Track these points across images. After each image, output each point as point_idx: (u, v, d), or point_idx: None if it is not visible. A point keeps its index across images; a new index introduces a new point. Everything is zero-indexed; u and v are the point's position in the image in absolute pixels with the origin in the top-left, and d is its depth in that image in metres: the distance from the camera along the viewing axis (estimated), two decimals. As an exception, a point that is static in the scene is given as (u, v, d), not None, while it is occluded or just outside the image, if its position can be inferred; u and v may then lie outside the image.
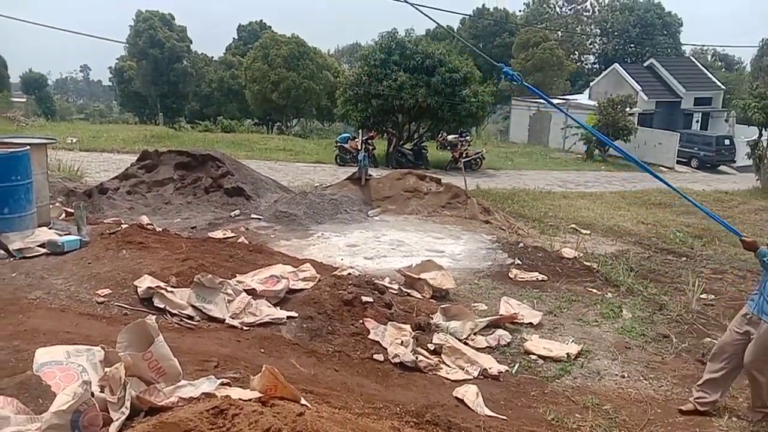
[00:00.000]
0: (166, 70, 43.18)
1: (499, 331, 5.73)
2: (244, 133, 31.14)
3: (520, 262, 8.38)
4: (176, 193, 11.40)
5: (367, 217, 10.88)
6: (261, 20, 51.21)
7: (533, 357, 5.42)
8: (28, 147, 6.47)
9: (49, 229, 6.58)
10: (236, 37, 51.39)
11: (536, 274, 7.91)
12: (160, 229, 7.64)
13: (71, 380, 2.94)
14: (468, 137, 22.04)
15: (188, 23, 48.73)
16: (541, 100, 36.36)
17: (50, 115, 42.69)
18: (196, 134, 28.38)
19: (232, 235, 8.71)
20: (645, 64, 35.92)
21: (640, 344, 5.91)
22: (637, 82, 32.48)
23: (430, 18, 5.58)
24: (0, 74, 44.66)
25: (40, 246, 5.95)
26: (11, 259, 5.85)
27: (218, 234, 8.69)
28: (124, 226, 7.23)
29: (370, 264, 8.04)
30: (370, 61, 21.61)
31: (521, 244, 9.41)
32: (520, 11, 54.33)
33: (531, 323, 6.12)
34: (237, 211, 10.65)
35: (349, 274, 6.43)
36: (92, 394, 2.64)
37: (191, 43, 45.93)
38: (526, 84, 4.86)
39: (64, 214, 8.24)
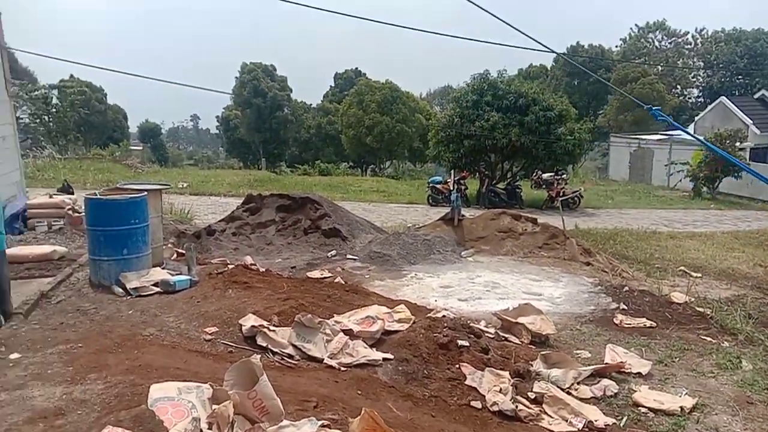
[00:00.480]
0: (269, 118, 45.63)
1: (605, 381, 5.42)
2: (340, 176, 32.11)
3: (625, 307, 7.95)
4: (277, 234, 11.88)
5: (461, 258, 10.77)
6: (356, 68, 53.19)
7: (643, 410, 5.05)
8: (146, 193, 7.01)
9: (163, 269, 7.03)
10: (333, 85, 53.60)
11: (644, 320, 7.45)
12: (263, 269, 7.94)
13: (182, 416, 3.08)
14: (564, 175, 21.48)
15: (289, 73, 51.51)
16: (642, 136, 35.00)
17: (163, 161, 46.09)
18: (295, 178, 29.57)
19: (329, 275, 8.90)
20: (755, 96, 33.72)
21: (764, 399, 5.38)
22: (747, 115, 30.49)
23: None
24: (121, 125, 49.03)
25: (154, 285, 6.37)
26: (129, 296, 6.30)
27: (316, 274, 8.92)
28: (230, 266, 7.58)
29: (464, 306, 7.92)
30: (462, 103, 21.76)
31: (626, 288, 8.93)
32: (616, 47, 53.00)
33: (639, 373, 5.74)
34: (333, 252, 10.90)
35: (444, 316, 6.36)
36: (201, 431, 2.75)
37: (291, 91, 48.39)
38: (675, 124, 4.72)
39: (175, 255, 8.78)
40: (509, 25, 7.12)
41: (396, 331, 5.70)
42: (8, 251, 5.80)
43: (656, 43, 52.50)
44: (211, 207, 17.24)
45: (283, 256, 10.83)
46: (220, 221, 12.40)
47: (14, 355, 4.65)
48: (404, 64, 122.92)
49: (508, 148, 20.96)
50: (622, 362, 5.76)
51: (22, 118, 30.55)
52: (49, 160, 26.18)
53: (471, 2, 6.52)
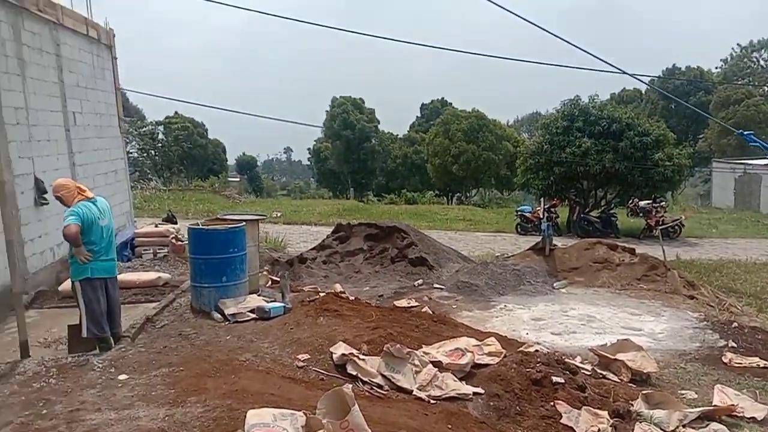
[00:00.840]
0: (357, 149, 46.73)
1: (714, 425, 5.01)
2: (426, 205, 32.16)
3: (735, 345, 7.36)
4: (366, 262, 12.04)
5: (553, 290, 10.43)
6: (442, 98, 53.63)
7: (759, 459, 4.64)
8: (244, 223, 7.34)
9: (259, 295, 7.30)
10: (419, 115, 54.27)
11: (756, 359, 6.87)
12: (353, 298, 8.05)
13: (277, 442, 3.15)
14: (663, 203, 20.39)
15: (377, 105, 52.72)
16: (748, 161, 32.68)
17: (259, 192, 48.16)
18: (382, 207, 29.94)
19: (417, 304, 8.88)
20: None
21: None
22: None
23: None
24: (220, 158, 51.79)
25: (250, 311, 6.62)
26: (226, 322, 6.58)
27: (403, 303, 8.93)
28: (321, 294, 7.76)
29: (558, 340, 7.64)
30: (551, 129, 21.31)
31: (735, 324, 8.28)
32: (716, 68, 50.23)
33: (753, 418, 5.26)
34: (420, 281, 10.88)
35: (537, 350, 6.15)
36: (295, 458, 2.80)
37: (379, 123, 49.41)
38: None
39: (270, 282, 9.09)
40: (592, 55, 6.98)
41: (486, 365, 5.57)
42: (119, 277, 6.23)
43: (761, 63, 49.31)
44: (302, 235, 17.76)
45: (371, 284, 10.94)
46: (311, 249, 12.74)
47: (122, 376, 4.96)
48: (490, 92, 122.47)
49: (602, 174, 20.23)
50: (733, 405, 5.32)
51: (131, 153, 33.01)
52: (155, 191, 28.05)
53: (556, 36, 6.44)
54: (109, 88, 11.98)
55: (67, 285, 7.26)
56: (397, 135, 52.40)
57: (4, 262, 7.04)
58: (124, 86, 13.04)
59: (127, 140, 13.34)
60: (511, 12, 7.01)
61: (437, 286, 10.52)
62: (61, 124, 9.58)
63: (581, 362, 6.28)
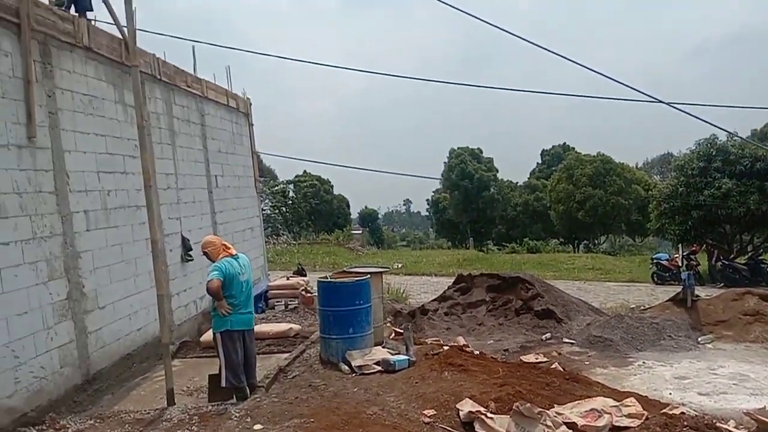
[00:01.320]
0: (476, 198, 46.58)
1: None
2: (550, 253, 31.12)
3: None
4: (488, 314, 11.78)
5: (698, 345, 9.56)
6: (564, 143, 52.35)
7: None
8: (369, 276, 7.54)
9: (383, 347, 7.39)
10: (540, 162, 53.22)
11: None
12: (477, 352, 7.90)
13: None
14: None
15: (494, 154, 52.54)
16: None
17: (380, 243, 49.25)
18: (503, 256, 29.39)
19: (545, 359, 8.51)
20: None
21: None
22: None
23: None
24: (344, 212, 53.81)
25: (376, 364, 6.70)
26: (353, 374, 6.69)
27: (530, 358, 8.60)
28: (444, 347, 7.69)
29: (706, 401, 6.95)
30: (687, 171, 19.94)
31: None
32: None
33: None
34: (548, 335, 10.44)
35: (683, 413, 5.63)
36: None
37: (497, 171, 49.10)
38: None
39: (393, 334, 9.17)
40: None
41: (625, 428, 5.18)
42: (254, 328, 6.59)
43: None
44: (423, 286, 17.80)
45: (494, 337, 10.66)
46: (432, 301, 12.72)
47: (257, 426, 5.19)
48: (615, 135, 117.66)
49: (747, 217, 18.50)
50: None
51: (264, 210, 35.21)
52: (286, 245, 29.62)
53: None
54: (247, 152, 13.02)
55: (208, 336, 7.81)
56: (517, 183, 51.67)
57: (154, 314, 7.74)
58: (259, 149, 14.10)
59: (262, 199, 14.32)
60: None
61: (567, 340, 10.04)
62: (204, 187, 10.51)
63: (735, 427, 5.66)
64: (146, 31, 10.39)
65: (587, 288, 17.88)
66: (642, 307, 12.17)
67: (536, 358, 8.55)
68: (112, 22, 7.40)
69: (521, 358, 8.59)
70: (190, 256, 9.39)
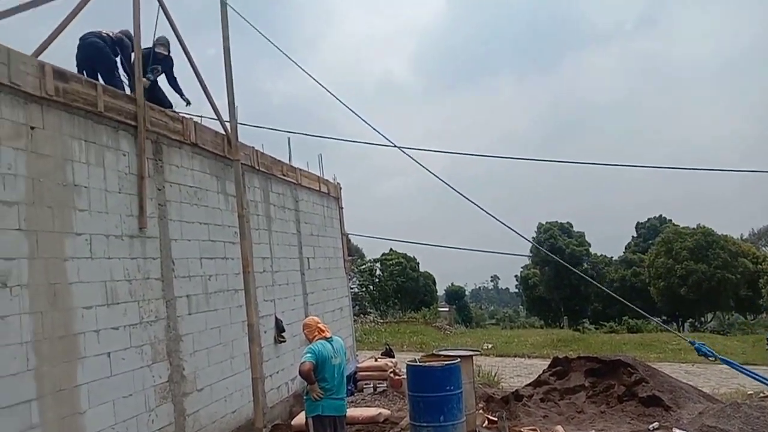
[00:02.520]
0: (567, 275, 44.96)
1: None
2: (652, 333, 29.15)
3: None
4: (588, 401, 11.07)
5: (833, 440, 8.48)
6: (660, 215, 50.14)
7: None
8: (459, 359, 7.37)
9: (476, 437, 7.09)
10: (635, 235, 51.06)
11: None
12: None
13: None
14: None
15: (585, 228, 51.06)
16: None
17: (468, 322, 48.15)
18: (601, 336, 27.87)
19: (654, 453, 7.83)
20: None
21: None
22: None
23: None
24: (430, 289, 53.39)
25: (470, 454, 6.43)
26: (446, 464, 6.44)
27: (638, 451, 7.94)
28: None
29: None
30: (802, 243, 18.48)
31: None
32: None
33: None
34: (656, 424, 9.62)
35: None
36: None
37: (590, 246, 47.48)
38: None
39: (486, 422, 8.80)
40: None
41: None
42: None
43: None
44: (516, 369, 17.10)
45: (596, 426, 9.96)
46: (527, 386, 12.14)
47: None
48: (715, 206, 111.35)
49: None
50: None
51: (352, 288, 35.66)
52: (373, 324, 29.61)
53: None
54: (337, 234, 13.42)
55: (300, 419, 7.82)
56: (611, 257, 49.59)
57: (248, 396, 7.89)
58: (348, 229, 14.49)
59: (350, 277, 14.59)
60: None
61: (677, 430, 9.21)
62: (297, 269, 10.85)
63: None
64: (246, 124, 11.21)
65: (696, 371, 16.50)
66: (762, 394, 11.04)
67: (644, 452, 7.89)
68: (216, 118, 8.07)
69: (628, 450, 7.96)
70: (283, 337, 9.59)
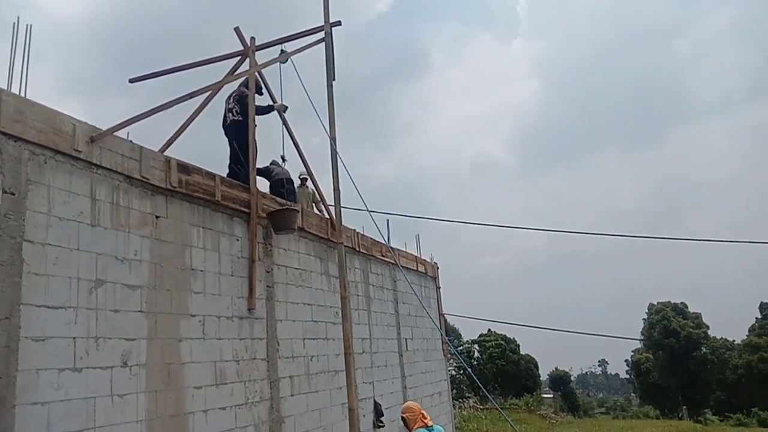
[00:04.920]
0: (685, 359, 41.45)
1: None
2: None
3: None
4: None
5: None
6: (787, 294, 45.56)
7: None
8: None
9: None
10: (759, 317, 46.53)
11: None
12: None
13: None
14: None
15: (702, 309, 47.26)
16: None
17: (574, 409, 45.05)
18: (728, 429, 25.10)
19: None
20: None
21: None
22: None
23: None
24: (532, 374, 50.78)
25: None
26: None
27: None
28: None
29: None
30: None
31: None
32: None
33: None
34: None
35: None
36: None
37: (708, 328, 43.73)
38: None
39: None
40: None
41: None
42: None
43: None
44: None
45: None
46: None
47: None
48: None
49: None
50: None
51: (450, 371, 34.67)
52: (473, 410, 28.37)
53: None
54: (434, 315, 13.25)
55: None
56: (734, 341, 45.25)
57: (348, 483, 7.69)
58: (446, 311, 14.27)
59: (447, 359, 14.21)
60: None
61: None
62: (395, 350, 10.74)
63: None
64: (348, 208, 11.58)
65: None
66: None
67: None
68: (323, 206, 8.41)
69: None
70: (382, 422, 9.38)
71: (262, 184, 7.81)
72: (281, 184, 8.10)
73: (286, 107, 8.17)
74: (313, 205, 9.70)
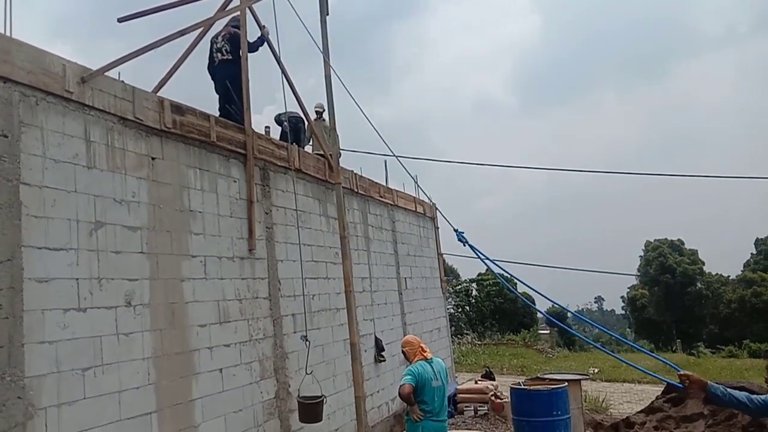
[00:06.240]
0: (680, 295, 42.23)
1: None
2: (780, 359, 26.60)
3: None
4: (708, 430, 10.26)
5: None
6: (783, 229, 46.01)
7: None
8: (566, 384, 7.08)
9: (586, 465, 6.75)
10: (754, 252, 47.15)
11: None
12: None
13: None
14: None
15: (699, 245, 47.83)
16: None
17: (571, 345, 46.15)
18: (719, 361, 25.79)
19: (791, 492, 7.10)
20: None
21: None
22: None
23: None
24: (530, 311, 51.74)
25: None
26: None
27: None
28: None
29: None
30: None
31: None
32: None
33: None
34: (790, 460, 8.74)
35: None
36: None
37: (704, 264, 44.35)
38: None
39: (596, 450, 8.36)
40: None
41: None
42: (447, 436, 6.44)
43: None
44: (625, 395, 16.13)
45: (720, 459, 9.19)
46: (638, 413, 11.42)
47: None
48: None
49: None
50: None
51: (448, 309, 35.35)
52: (471, 346, 29.11)
53: None
54: (433, 254, 13.40)
55: (401, 440, 7.80)
56: (729, 276, 45.99)
57: (350, 414, 7.99)
58: (444, 250, 14.41)
59: (446, 298, 14.48)
60: None
61: (816, 468, 8.30)
62: (395, 289, 10.92)
63: None
64: (347, 150, 11.50)
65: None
66: None
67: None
68: (319, 145, 8.35)
69: (758, 488, 7.27)
70: (383, 356, 9.65)
71: (257, 125, 7.74)
72: (294, 123, 8.21)
73: (268, 30, 7.88)
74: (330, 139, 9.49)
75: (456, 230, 6.25)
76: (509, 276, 6.36)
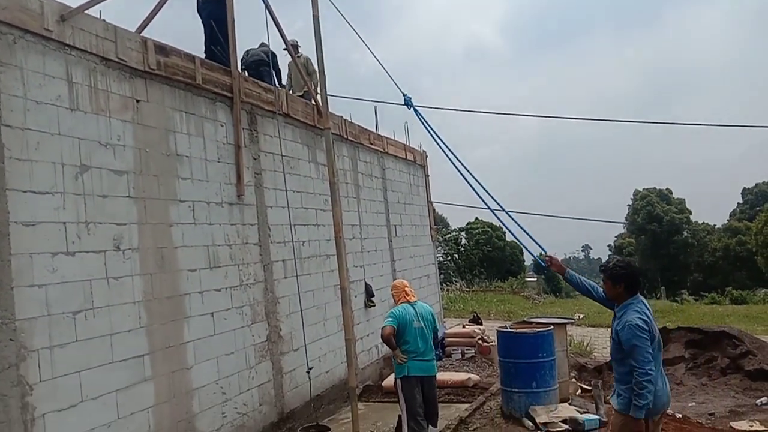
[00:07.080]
0: (666, 243, 42.88)
1: None
2: (759, 305, 27.30)
3: None
4: (688, 373, 10.59)
5: None
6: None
7: None
8: (552, 327, 7.23)
9: (569, 405, 6.97)
10: (741, 201, 47.69)
11: None
12: (679, 415, 7.13)
13: None
14: None
15: (687, 194, 48.32)
16: None
17: (557, 292, 47.00)
18: (702, 308, 26.43)
19: (762, 428, 7.39)
20: None
21: None
22: None
23: None
24: (517, 259, 52.34)
25: (562, 422, 6.34)
26: (538, 431, 6.38)
27: (743, 425, 7.51)
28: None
29: None
30: None
31: None
32: None
33: None
34: (764, 399, 9.07)
35: None
36: None
37: (690, 213, 44.84)
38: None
39: (579, 390, 8.63)
40: None
41: None
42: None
43: None
44: (609, 339, 16.57)
45: (696, 399, 9.51)
46: (621, 356, 11.76)
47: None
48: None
49: None
50: None
51: (438, 257, 35.73)
52: (459, 293, 29.58)
53: None
54: (423, 203, 13.42)
55: (389, 381, 8.00)
56: (714, 225, 46.66)
57: (341, 357, 8.15)
58: (433, 198, 14.43)
59: (436, 246, 14.61)
60: None
61: (789, 406, 8.64)
62: (385, 236, 10.98)
63: None
64: (335, 96, 11.30)
65: (812, 346, 15.29)
66: None
67: (750, 426, 7.46)
68: (306, 89, 8.20)
69: (731, 424, 7.56)
70: (373, 302, 9.79)
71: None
72: (254, 67, 7.93)
73: None
74: (308, 77, 9.10)
75: (404, 94, 6.79)
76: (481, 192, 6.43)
